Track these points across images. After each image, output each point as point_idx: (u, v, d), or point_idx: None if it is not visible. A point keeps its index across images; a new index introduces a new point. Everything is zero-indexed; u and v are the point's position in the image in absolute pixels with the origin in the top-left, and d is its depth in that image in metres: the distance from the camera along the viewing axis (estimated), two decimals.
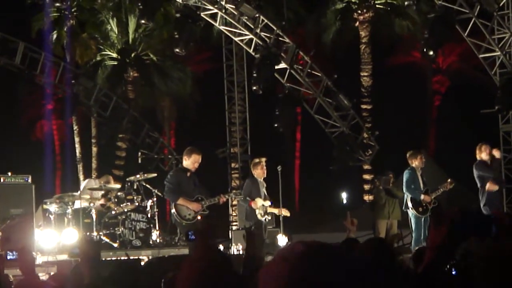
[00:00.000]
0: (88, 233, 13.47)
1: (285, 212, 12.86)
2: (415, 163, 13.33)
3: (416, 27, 24.81)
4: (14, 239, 11.70)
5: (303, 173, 37.01)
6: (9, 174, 12.90)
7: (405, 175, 13.38)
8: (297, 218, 22.04)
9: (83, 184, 15.81)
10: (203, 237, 7.21)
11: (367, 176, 23.58)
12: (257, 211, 12.39)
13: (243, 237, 13.69)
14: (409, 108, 32.06)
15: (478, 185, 12.95)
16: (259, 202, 12.32)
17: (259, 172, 12.32)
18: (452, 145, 29.43)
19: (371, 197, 20.93)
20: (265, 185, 12.55)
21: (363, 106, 24.43)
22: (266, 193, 12.52)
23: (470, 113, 23.06)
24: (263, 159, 12.51)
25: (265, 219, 12.39)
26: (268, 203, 12.45)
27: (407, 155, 13.49)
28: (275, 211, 12.64)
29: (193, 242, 8.88)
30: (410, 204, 13.18)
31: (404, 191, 13.32)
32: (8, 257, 5.52)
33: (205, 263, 2.83)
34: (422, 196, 13.19)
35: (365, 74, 24.98)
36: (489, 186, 12.78)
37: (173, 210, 11.28)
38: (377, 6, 25.15)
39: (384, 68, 29.93)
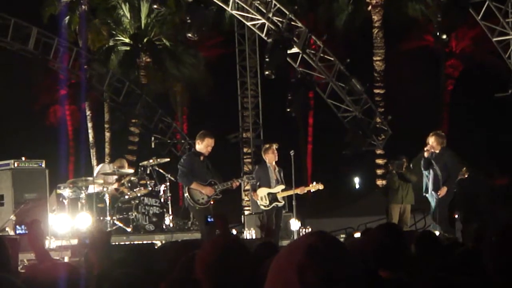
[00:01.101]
0: (101, 218, 13.54)
1: (315, 187, 12.86)
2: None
3: (429, 10, 24.64)
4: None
5: (316, 158, 36.97)
6: (23, 159, 12.96)
7: None
8: (309, 203, 22.09)
9: (97, 169, 15.87)
10: (223, 221, 7.26)
11: (380, 161, 23.51)
12: (258, 202, 12.44)
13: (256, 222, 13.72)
14: (422, 93, 31.88)
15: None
16: (260, 192, 12.36)
17: (271, 157, 12.45)
18: (465, 130, 29.27)
19: (384, 182, 20.89)
20: (277, 168, 12.56)
21: (376, 91, 24.31)
22: (279, 177, 12.51)
23: (484, 97, 22.92)
24: (274, 144, 12.59)
25: (276, 205, 12.41)
26: (279, 188, 12.45)
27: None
28: (291, 192, 12.60)
29: (210, 225, 8.97)
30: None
31: (427, 174, 13.28)
32: (18, 231, 5.56)
33: (224, 244, 2.86)
34: None
35: (378, 58, 24.84)
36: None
37: (186, 194, 11.30)
38: None
39: (397, 52, 29.75)
